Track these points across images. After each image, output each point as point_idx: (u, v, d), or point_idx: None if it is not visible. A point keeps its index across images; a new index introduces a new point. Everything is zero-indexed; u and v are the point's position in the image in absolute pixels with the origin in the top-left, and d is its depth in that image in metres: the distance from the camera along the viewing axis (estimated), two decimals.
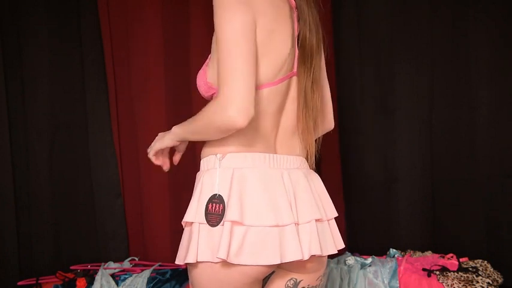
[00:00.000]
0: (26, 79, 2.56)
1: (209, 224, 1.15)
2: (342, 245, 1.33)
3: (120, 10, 2.60)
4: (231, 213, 1.13)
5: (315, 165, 1.36)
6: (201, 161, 1.28)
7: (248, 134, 1.21)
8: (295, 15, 1.30)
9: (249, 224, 1.15)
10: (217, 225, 1.15)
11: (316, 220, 1.23)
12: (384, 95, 2.60)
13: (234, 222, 1.14)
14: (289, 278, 1.28)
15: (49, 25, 2.57)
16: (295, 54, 1.29)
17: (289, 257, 1.16)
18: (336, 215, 1.35)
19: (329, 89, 1.43)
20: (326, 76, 1.42)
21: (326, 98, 1.41)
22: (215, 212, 1.15)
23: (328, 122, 1.44)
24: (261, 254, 1.14)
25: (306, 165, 1.34)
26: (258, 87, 1.19)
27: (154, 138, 1.31)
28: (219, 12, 1.13)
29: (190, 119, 1.24)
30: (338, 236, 1.34)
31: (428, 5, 2.52)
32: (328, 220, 1.30)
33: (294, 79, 1.31)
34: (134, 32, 2.61)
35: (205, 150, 1.28)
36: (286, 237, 1.17)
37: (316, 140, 1.33)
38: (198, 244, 1.16)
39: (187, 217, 1.20)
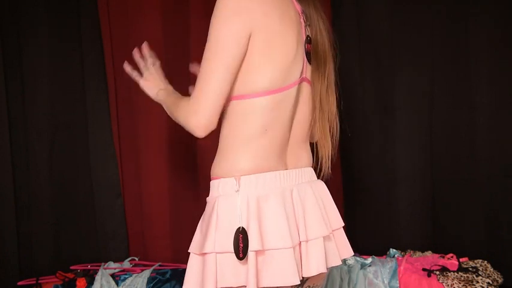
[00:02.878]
0: (26, 79, 2.55)
1: (238, 258, 1.15)
2: (349, 254, 1.37)
3: (120, 10, 2.60)
4: (253, 243, 1.14)
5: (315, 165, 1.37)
6: (214, 181, 1.25)
7: (261, 147, 1.22)
8: (301, 19, 1.29)
9: (268, 248, 1.16)
10: (244, 256, 1.15)
11: (324, 237, 1.26)
12: (384, 95, 2.59)
13: (257, 252, 1.15)
14: None
15: (49, 25, 2.57)
16: (303, 60, 1.28)
17: (301, 275, 1.20)
18: (342, 224, 1.37)
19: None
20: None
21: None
22: (243, 243, 1.15)
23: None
24: (281, 275, 1.16)
25: (313, 175, 1.36)
26: (266, 93, 1.20)
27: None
28: (213, 20, 1.17)
29: (173, 99, 1.33)
30: (346, 245, 1.37)
31: (428, 4, 2.52)
32: (332, 231, 1.32)
33: (304, 85, 1.31)
34: (134, 32, 2.61)
35: (218, 169, 1.25)
36: (297, 257, 1.20)
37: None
38: (217, 274, 1.16)
39: (207, 248, 1.17)
